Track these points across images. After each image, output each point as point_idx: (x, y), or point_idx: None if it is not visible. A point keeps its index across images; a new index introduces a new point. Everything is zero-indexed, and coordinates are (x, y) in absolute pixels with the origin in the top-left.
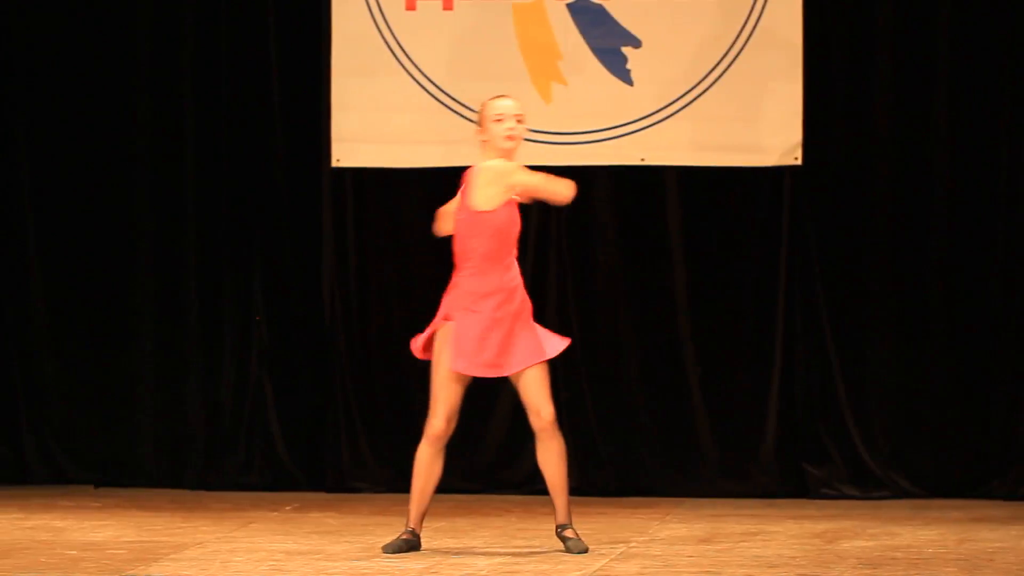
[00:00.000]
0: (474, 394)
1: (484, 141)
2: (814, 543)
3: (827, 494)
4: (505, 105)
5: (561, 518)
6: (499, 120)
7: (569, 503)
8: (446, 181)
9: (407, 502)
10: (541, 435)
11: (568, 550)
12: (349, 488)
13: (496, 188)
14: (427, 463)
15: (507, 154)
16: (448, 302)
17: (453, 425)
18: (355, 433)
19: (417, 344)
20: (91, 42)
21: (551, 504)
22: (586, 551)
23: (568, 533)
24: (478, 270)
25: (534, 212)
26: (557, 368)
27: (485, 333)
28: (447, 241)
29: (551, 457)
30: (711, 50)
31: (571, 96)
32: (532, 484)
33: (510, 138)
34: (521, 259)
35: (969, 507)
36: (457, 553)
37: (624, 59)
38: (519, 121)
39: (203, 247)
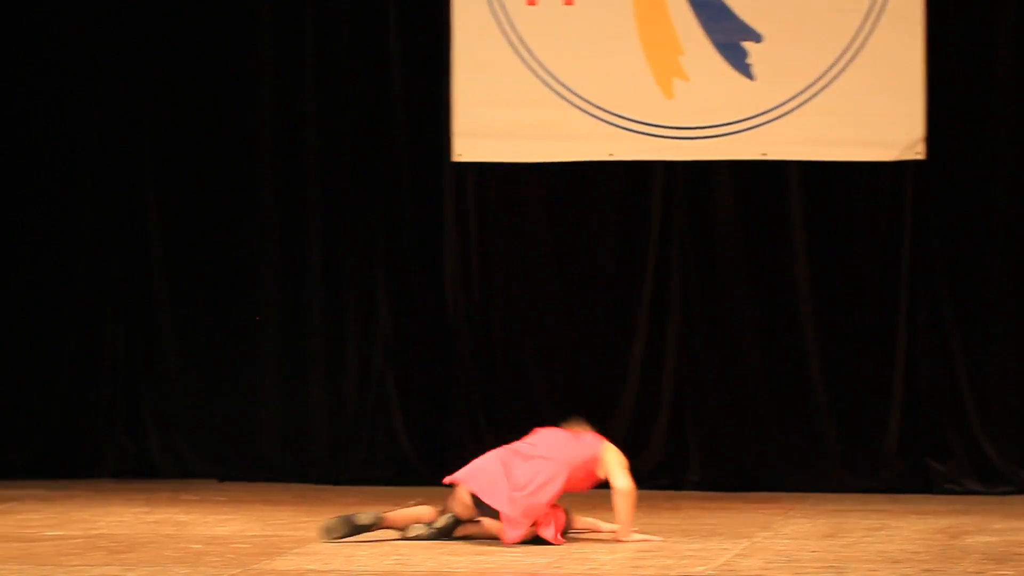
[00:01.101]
0: (599, 389)
1: None
2: (938, 538)
3: (950, 489)
4: None
5: None
6: None
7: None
8: (566, 175)
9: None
10: None
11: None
12: None
13: None
14: None
15: None
16: None
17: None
18: (478, 426)
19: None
20: (214, 39)
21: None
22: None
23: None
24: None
25: (656, 209)
26: (681, 362)
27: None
28: (568, 234)
29: None
30: (832, 44)
31: (692, 91)
32: (655, 479)
33: None
34: (644, 255)
35: None
36: (581, 548)
37: (745, 53)
38: None
39: (326, 242)
